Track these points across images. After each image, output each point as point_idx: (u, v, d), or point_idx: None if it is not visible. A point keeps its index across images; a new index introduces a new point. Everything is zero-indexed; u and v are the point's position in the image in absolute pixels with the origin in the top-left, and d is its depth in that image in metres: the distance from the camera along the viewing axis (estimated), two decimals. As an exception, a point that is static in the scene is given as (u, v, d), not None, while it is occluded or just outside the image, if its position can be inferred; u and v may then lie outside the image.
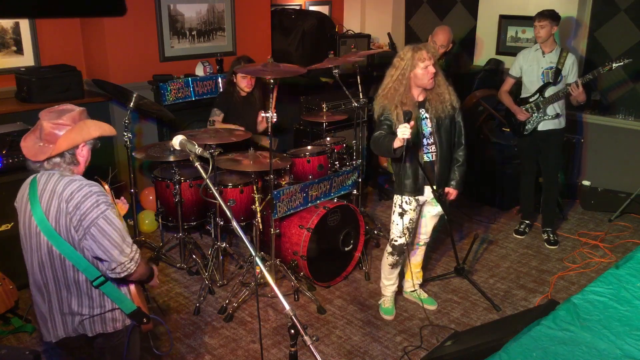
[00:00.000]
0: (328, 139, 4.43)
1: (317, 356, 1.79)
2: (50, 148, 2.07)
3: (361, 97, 4.36)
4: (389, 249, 3.45)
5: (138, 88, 4.14)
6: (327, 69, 4.22)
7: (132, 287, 2.23)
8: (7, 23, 4.20)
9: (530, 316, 2.59)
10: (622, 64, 4.07)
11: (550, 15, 4.19)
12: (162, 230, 4.36)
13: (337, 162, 4.18)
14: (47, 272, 2.12)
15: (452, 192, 3.38)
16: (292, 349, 1.95)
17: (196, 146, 2.16)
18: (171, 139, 2.35)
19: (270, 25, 5.46)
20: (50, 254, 2.08)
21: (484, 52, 5.86)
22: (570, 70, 4.27)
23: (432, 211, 3.46)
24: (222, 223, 3.78)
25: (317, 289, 3.87)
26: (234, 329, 3.46)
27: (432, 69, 3.09)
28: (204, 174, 2.05)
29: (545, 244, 4.60)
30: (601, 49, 5.29)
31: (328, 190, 3.98)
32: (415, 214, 3.36)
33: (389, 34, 6.19)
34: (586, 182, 5.29)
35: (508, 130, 4.78)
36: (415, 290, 3.76)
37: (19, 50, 4.31)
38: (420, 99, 3.22)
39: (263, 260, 3.81)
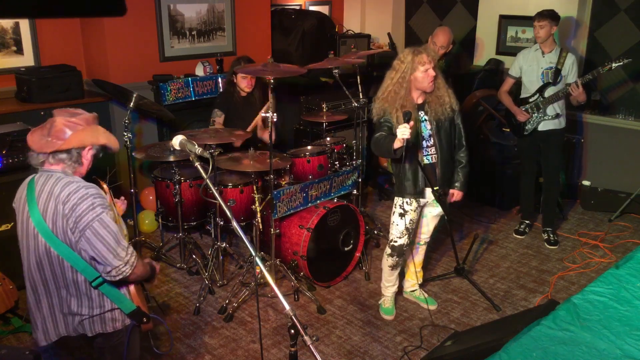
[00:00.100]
0: (328, 139, 4.43)
1: (317, 356, 1.79)
2: (58, 143, 2.07)
3: (361, 97, 4.36)
4: (388, 250, 3.45)
5: (138, 88, 4.14)
6: (327, 69, 4.22)
7: (132, 287, 2.23)
8: (7, 23, 4.20)
9: (530, 316, 2.59)
10: (621, 64, 4.07)
11: (549, 16, 4.19)
12: (162, 230, 4.36)
13: (337, 162, 4.18)
14: (45, 273, 2.12)
15: (457, 193, 3.39)
16: (292, 349, 1.94)
17: (196, 146, 2.16)
18: (171, 139, 2.35)
19: (270, 25, 5.46)
20: (49, 255, 2.08)
21: (484, 52, 5.86)
22: (570, 70, 4.27)
23: (433, 211, 3.46)
24: (222, 223, 3.78)
25: (317, 289, 3.87)
26: (234, 329, 3.46)
27: (432, 72, 3.10)
28: (204, 174, 2.05)
29: (545, 244, 4.60)
30: (601, 49, 5.29)
31: (328, 190, 3.98)
32: (416, 215, 3.36)
33: (389, 34, 6.19)
34: (586, 182, 5.29)
35: (508, 130, 4.78)
36: (415, 290, 3.76)
37: (19, 50, 4.31)
38: (420, 101, 3.22)
39: (263, 260, 3.81)
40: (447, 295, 3.86)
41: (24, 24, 4.29)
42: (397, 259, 3.44)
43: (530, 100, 4.38)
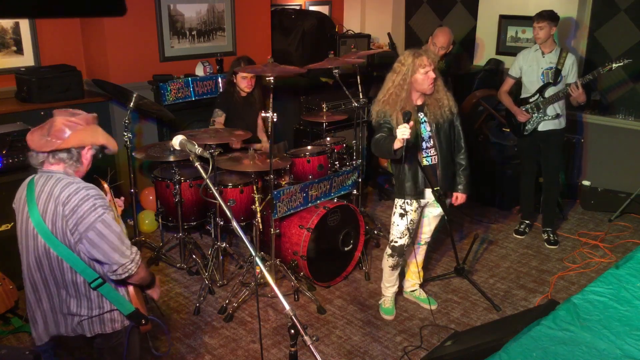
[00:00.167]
0: (328, 139, 4.43)
1: (317, 356, 1.79)
2: (58, 143, 2.07)
3: (361, 97, 4.36)
4: (388, 250, 3.45)
5: (138, 88, 4.14)
6: (327, 69, 4.22)
7: (131, 288, 2.23)
8: (7, 23, 4.20)
9: (530, 316, 2.59)
10: (622, 64, 4.07)
11: (549, 16, 4.19)
12: (162, 230, 4.36)
13: (337, 162, 4.18)
14: (45, 273, 2.12)
15: (460, 196, 3.40)
16: (292, 349, 1.94)
17: (196, 146, 2.16)
18: (171, 139, 2.35)
19: (270, 25, 5.46)
20: (48, 255, 2.08)
21: (484, 52, 5.86)
22: (570, 70, 4.27)
23: (434, 212, 3.46)
24: (222, 223, 3.78)
25: (317, 289, 3.87)
26: (234, 329, 3.46)
27: (432, 75, 3.11)
28: (204, 174, 2.05)
29: (545, 244, 4.60)
30: (601, 49, 5.29)
31: (328, 190, 3.98)
32: (416, 215, 3.36)
33: (389, 34, 6.18)
34: (586, 182, 5.29)
35: (508, 130, 4.78)
36: (415, 290, 3.76)
37: (19, 50, 4.31)
38: (419, 102, 3.23)
39: (263, 260, 3.81)
40: (447, 295, 3.86)
41: (24, 24, 4.29)
42: (397, 259, 3.44)
43: (531, 100, 4.38)
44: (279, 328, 3.46)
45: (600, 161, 5.37)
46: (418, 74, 3.10)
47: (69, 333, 2.20)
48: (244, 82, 4.15)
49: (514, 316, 3.30)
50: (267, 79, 3.42)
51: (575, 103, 4.31)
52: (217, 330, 3.44)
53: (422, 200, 3.33)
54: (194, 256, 4.06)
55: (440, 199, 3.27)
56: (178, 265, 4.11)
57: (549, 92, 4.30)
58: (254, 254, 1.97)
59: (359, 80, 4.40)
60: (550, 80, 4.29)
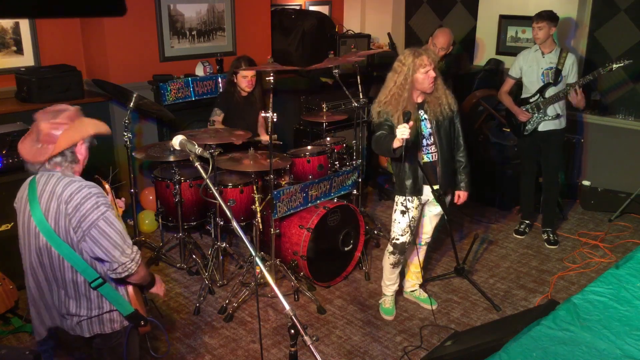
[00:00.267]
0: (328, 139, 4.43)
1: (317, 356, 1.79)
2: (50, 148, 2.06)
3: (361, 97, 4.36)
4: (390, 248, 3.45)
5: (138, 88, 4.14)
6: (327, 69, 4.22)
7: (130, 289, 2.23)
8: (7, 23, 4.20)
9: (530, 316, 2.59)
10: (622, 64, 4.07)
11: (548, 17, 4.19)
12: (162, 230, 4.36)
13: (337, 162, 4.18)
14: (46, 272, 2.12)
15: (462, 194, 3.41)
16: (292, 349, 1.94)
17: (196, 146, 2.16)
18: (171, 139, 2.35)
19: (270, 25, 5.46)
20: (49, 254, 2.08)
21: (484, 52, 5.86)
22: (570, 70, 4.27)
23: (434, 210, 3.47)
24: (222, 223, 3.78)
25: (317, 289, 3.87)
26: (234, 329, 3.46)
27: (432, 74, 3.12)
28: (204, 174, 2.05)
29: (545, 244, 4.60)
30: (601, 49, 5.29)
31: (328, 190, 3.98)
32: (417, 213, 3.37)
33: (389, 34, 6.18)
34: (586, 182, 5.29)
35: (508, 130, 4.78)
36: (415, 290, 3.76)
37: (19, 50, 4.31)
38: (419, 100, 3.24)
39: (263, 260, 3.81)
40: (447, 295, 3.86)
41: (24, 24, 4.29)
42: (398, 256, 3.44)
43: (531, 100, 4.38)
44: (279, 328, 3.46)
45: (600, 161, 5.37)
46: (419, 74, 3.11)
47: (68, 330, 2.21)
48: (245, 82, 4.15)
49: (514, 316, 3.30)
50: (267, 79, 3.42)
51: (576, 107, 4.32)
52: (217, 330, 3.44)
53: (422, 198, 3.33)
54: (194, 256, 4.06)
55: (439, 198, 3.28)
56: (178, 265, 4.11)
57: (550, 92, 4.30)
58: (254, 254, 1.97)
59: (359, 80, 4.40)
60: (551, 81, 4.29)
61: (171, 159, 3.82)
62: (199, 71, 4.90)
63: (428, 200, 3.38)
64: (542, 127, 4.39)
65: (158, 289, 2.39)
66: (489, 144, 5.32)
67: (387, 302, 3.63)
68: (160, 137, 4.79)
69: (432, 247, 4.30)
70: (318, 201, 3.91)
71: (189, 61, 4.91)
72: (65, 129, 2.07)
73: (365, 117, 4.87)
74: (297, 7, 6.13)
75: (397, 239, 3.39)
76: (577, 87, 4.14)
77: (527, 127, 4.44)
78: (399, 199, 3.33)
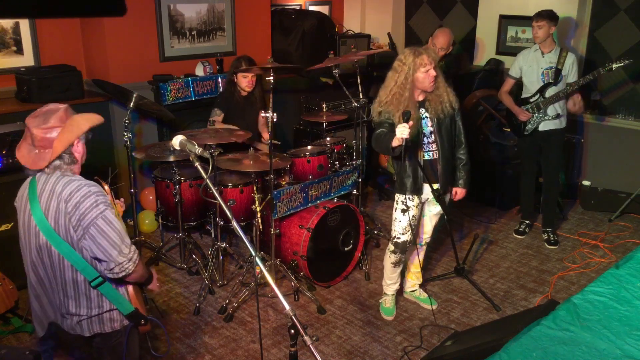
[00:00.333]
0: (328, 139, 4.43)
1: (317, 356, 1.79)
2: (48, 153, 2.06)
3: (361, 97, 4.36)
4: (391, 247, 3.45)
5: (138, 88, 4.14)
6: (327, 69, 4.22)
7: (130, 288, 2.23)
8: (7, 23, 4.20)
9: (530, 316, 2.59)
10: (622, 64, 4.07)
11: (547, 16, 4.19)
12: (162, 230, 4.36)
13: (337, 162, 4.18)
14: (46, 271, 2.13)
15: (460, 191, 3.41)
16: (292, 349, 1.94)
17: (196, 146, 2.16)
18: (171, 139, 2.35)
19: (270, 25, 5.46)
20: (49, 253, 2.09)
21: (484, 52, 5.86)
22: (570, 69, 4.27)
23: (433, 210, 3.47)
24: (222, 223, 3.78)
25: (317, 289, 3.87)
26: (234, 329, 3.46)
27: (433, 73, 3.12)
28: (204, 174, 2.05)
29: (546, 244, 4.60)
30: (601, 49, 5.29)
31: (328, 190, 3.98)
32: (417, 211, 3.37)
33: (389, 34, 6.19)
34: (586, 182, 5.29)
35: (508, 130, 4.78)
36: (415, 290, 3.76)
37: (19, 50, 4.31)
38: (420, 98, 3.24)
39: (263, 260, 3.81)
40: (447, 295, 3.86)
41: (24, 24, 4.29)
42: (400, 255, 3.44)
43: (531, 100, 4.38)
44: (279, 328, 3.46)
45: (600, 161, 5.37)
46: (419, 73, 3.11)
47: (68, 330, 2.21)
48: (245, 82, 4.15)
49: (514, 316, 3.30)
50: (267, 79, 3.42)
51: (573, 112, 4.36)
52: (217, 330, 3.44)
53: (422, 196, 3.33)
54: (194, 256, 4.06)
55: (439, 198, 3.28)
56: (178, 265, 4.11)
57: (550, 92, 4.30)
58: (254, 254, 1.97)
59: (359, 80, 4.40)
60: (551, 80, 4.29)
61: (171, 159, 3.82)
62: (199, 71, 4.90)
63: (428, 199, 3.39)
64: (542, 127, 4.39)
65: (152, 284, 2.38)
66: (489, 144, 5.32)
67: (387, 301, 3.63)
68: (160, 137, 4.79)
69: (432, 247, 4.30)
70: (318, 201, 3.91)
71: (189, 61, 4.91)
72: (59, 132, 2.06)
73: (365, 117, 4.87)
74: (297, 7, 6.13)
75: (398, 238, 3.39)
76: (576, 94, 4.15)
77: (527, 127, 4.44)
78: (399, 197, 3.33)
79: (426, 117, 3.24)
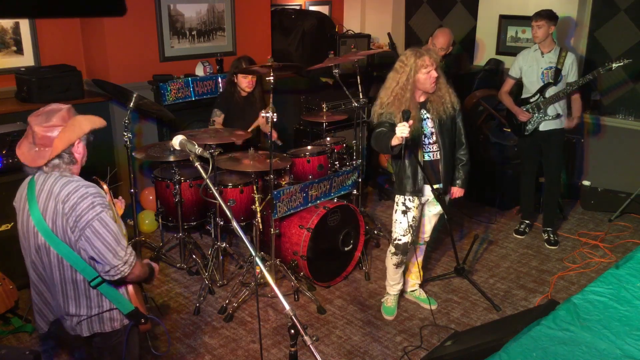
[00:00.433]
0: (328, 139, 4.43)
1: (317, 356, 1.79)
2: (47, 151, 2.06)
3: (361, 97, 4.36)
4: (392, 249, 3.45)
5: (138, 88, 4.13)
6: (327, 68, 4.22)
7: (130, 287, 2.22)
8: (7, 23, 4.20)
9: (530, 316, 2.59)
10: (622, 64, 4.07)
11: (547, 16, 4.19)
12: (162, 230, 4.36)
13: (337, 162, 4.18)
14: (46, 271, 2.13)
15: (457, 190, 3.41)
16: (292, 349, 1.94)
17: (196, 146, 2.16)
18: (171, 139, 2.35)
19: (270, 25, 5.46)
20: (48, 253, 2.08)
21: (484, 52, 5.86)
22: (570, 69, 4.27)
23: (433, 210, 3.47)
24: (222, 223, 3.78)
25: (317, 289, 3.87)
26: (234, 329, 3.46)
27: (434, 74, 3.12)
28: (204, 174, 2.05)
29: (546, 244, 4.60)
30: (601, 49, 5.29)
31: (328, 190, 3.98)
32: (418, 212, 3.37)
33: (389, 34, 6.18)
34: (586, 182, 5.29)
35: (508, 130, 4.78)
36: (415, 290, 3.76)
37: (19, 50, 4.31)
38: (422, 99, 3.24)
39: (263, 260, 3.81)
40: (447, 295, 3.86)
41: (24, 24, 4.29)
42: (401, 257, 3.44)
43: (531, 100, 4.38)
44: (279, 328, 3.46)
45: (600, 161, 5.37)
46: (420, 74, 3.11)
47: (68, 330, 2.21)
48: (245, 82, 4.15)
49: (514, 316, 3.30)
50: (267, 79, 3.42)
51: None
52: (217, 330, 3.44)
53: (422, 198, 3.33)
54: (194, 256, 4.06)
55: (439, 197, 3.28)
56: (178, 265, 4.11)
57: (550, 92, 4.30)
58: (254, 254, 1.97)
59: (359, 80, 4.40)
60: (551, 80, 4.29)
61: (171, 159, 3.82)
62: (199, 71, 4.90)
63: (428, 200, 3.39)
64: (542, 127, 4.39)
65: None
66: (489, 144, 5.32)
67: (389, 301, 3.62)
68: (160, 137, 4.79)
69: (432, 247, 4.30)
70: (318, 201, 3.91)
71: (189, 61, 4.91)
72: (60, 131, 2.06)
73: (365, 117, 4.88)
74: (297, 7, 6.13)
75: (399, 240, 3.38)
76: (575, 100, 4.24)
77: (527, 127, 4.44)
78: (399, 199, 3.33)
79: (427, 118, 3.24)
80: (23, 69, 4.23)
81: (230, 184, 3.80)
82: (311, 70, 4.42)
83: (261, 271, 2.35)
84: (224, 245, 3.94)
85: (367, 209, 5.01)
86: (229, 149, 4.01)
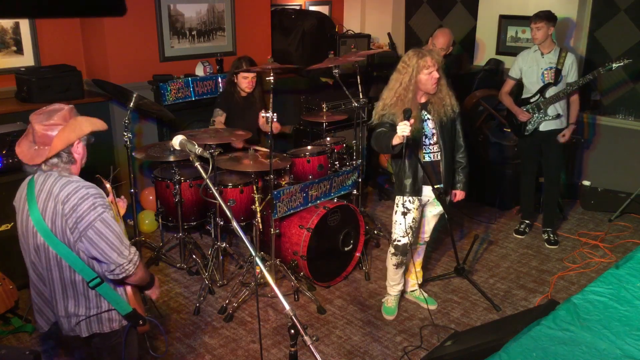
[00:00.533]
0: (328, 139, 4.43)
1: (317, 356, 1.79)
2: (46, 150, 2.05)
3: (361, 97, 4.36)
4: (392, 250, 3.45)
5: (138, 88, 4.14)
6: (327, 69, 4.22)
7: (129, 288, 2.22)
8: (7, 23, 4.20)
9: (530, 316, 2.59)
10: (622, 64, 4.07)
11: (545, 17, 4.19)
12: (162, 230, 4.36)
13: (337, 162, 4.18)
14: (44, 271, 2.13)
15: (459, 194, 3.42)
16: (292, 349, 1.94)
17: (196, 146, 2.15)
18: (171, 139, 2.35)
19: (270, 25, 5.46)
20: (47, 254, 2.08)
21: (484, 52, 5.86)
22: (570, 69, 4.27)
23: (434, 211, 3.47)
24: (222, 223, 3.78)
25: (317, 289, 3.87)
26: (234, 329, 3.46)
27: (435, 75, 3.13)
28: (204, 174, 2.05)
29: (546, 244, 4.60)
30: (601, 49, 5.29)
31: (328, 190, 3.98)
32: (418, 213, 3.37)
33: (389, 34, 6.19)
34: (586, 182, 5.29)
35: (508, 130, 4.78)
36: (415, 290, 3.76)
37: (19, 50, 4.31)
38: (423, 100, 3.25)
39: (263, 260, 3.81)
40: (447, 295, 3.86)
41: (24, 24, 4.29)
42: (401, 257, 3.44)
43: (532, 100, 4.38)
44: (279, 328, 3.46)
45: (600, 161, 5.37)
46: (422, 75, 3.12)
47: (67, 333, 2.21)
48: (245, 82, 4.15)
49: (514, 316, 3.30)
50: (267, 79, 3.42)
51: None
52: (217, 330, 3.44)
53: (422, 198, 3.33)
54: (194, 256, 4.06)
55: (440, 197, 3.28)
56: (178, 265, 4.11)
57: (550, 92, 4.30)
58: (254, 254, 1.97)
59: (359, 80, 4.40)
60: (551, 81, 4.29)
61: (171, 159, 3.82)
62: (199, 71, 4.90)
63: (428, 200, 3.39)
64: (543, 127, 4.39)
65: (153, 292, 2.37)
66: (489, 144, 5.32)
67: (390, 301, 3.62)
68: (160, 137, 4.79)
69: (432, 247, 4.30)
70: (318, 201, 3.91)
71: (189, 61, 4.91)
72: (60, 130, 2.06)
73: (365, 117, 4.88)
74: (297, 7, 6.13)
75: (399, 241, 3.38)
76: (567, 132, 4.32)
77: (527, 127, 4.44)
78: (399, 200, 3.33)
79: (428, 119, 3.25)
80: (23, 69, 4.23)
81: (230, 184, 3.80)
82: (311, 70, 4.42)
83: (261, 271, 2.35)
84: (224, 245, 3.94)
85: (367, 209, 5.01)
86: (229, 149, 4.01)
